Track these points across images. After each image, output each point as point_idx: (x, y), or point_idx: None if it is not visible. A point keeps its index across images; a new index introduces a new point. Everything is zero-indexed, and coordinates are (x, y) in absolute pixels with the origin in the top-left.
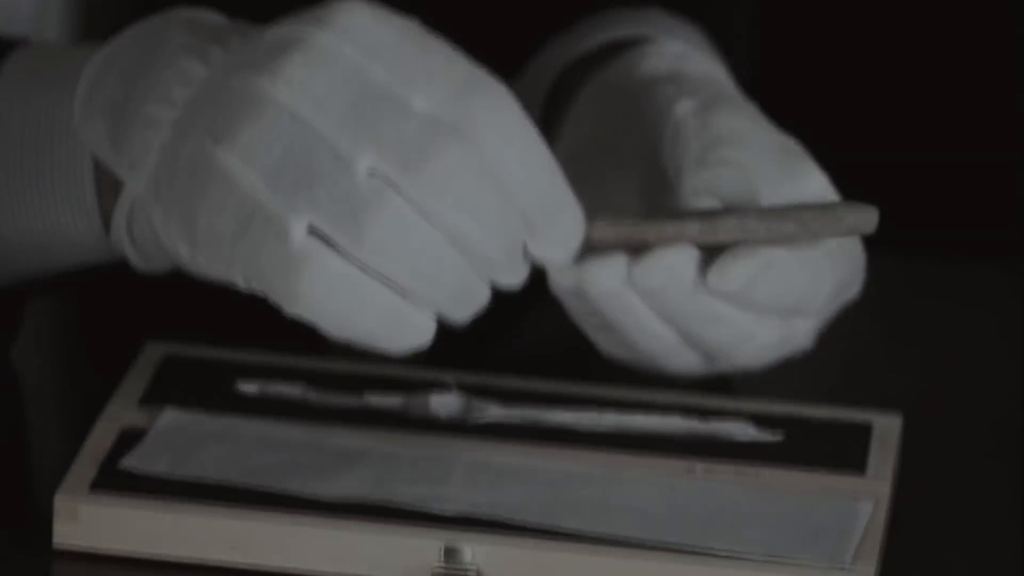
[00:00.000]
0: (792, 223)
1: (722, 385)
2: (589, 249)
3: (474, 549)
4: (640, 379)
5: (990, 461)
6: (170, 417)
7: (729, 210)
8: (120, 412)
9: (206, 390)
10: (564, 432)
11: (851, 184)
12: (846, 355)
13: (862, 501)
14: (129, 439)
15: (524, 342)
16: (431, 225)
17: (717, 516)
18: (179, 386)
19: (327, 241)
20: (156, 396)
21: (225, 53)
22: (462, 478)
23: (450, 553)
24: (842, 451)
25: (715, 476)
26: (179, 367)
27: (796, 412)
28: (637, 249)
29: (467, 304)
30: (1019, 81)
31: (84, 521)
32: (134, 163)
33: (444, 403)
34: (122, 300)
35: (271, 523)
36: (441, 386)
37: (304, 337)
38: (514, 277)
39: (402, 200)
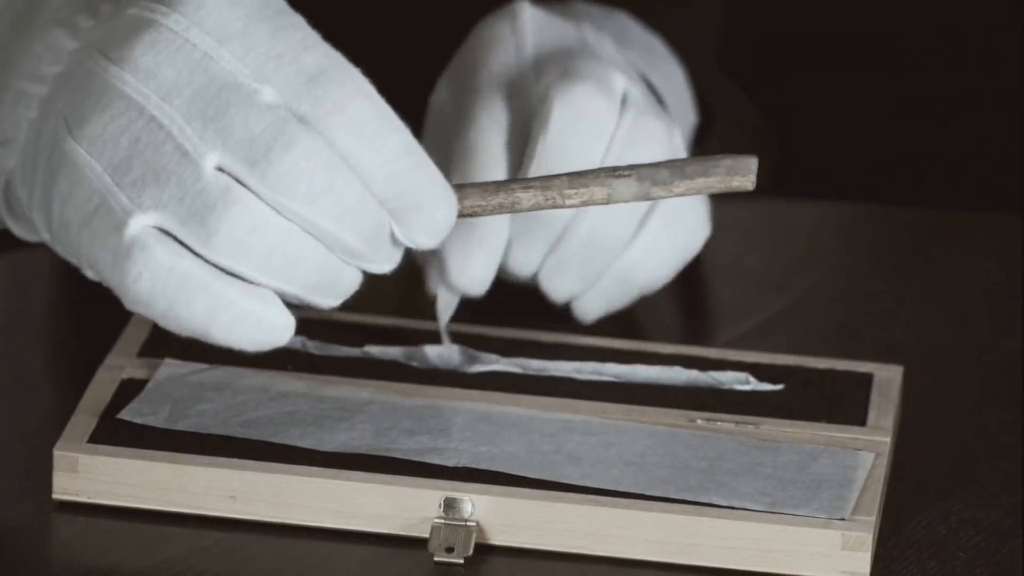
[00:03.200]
0: (666, 170)
1: (722, 336)
2: (462, 218)
3: (474, 501)
4: (641, 330)
5: (990, 412)
6: (169, 368)
7: (599, 168)
8: (120, 363)
9: (205, 341)
10: (565, 383)
11: (852, 134)
12: (847, 306)
13: (862, 453)
14: (128, 391)
15: (525, 292)
16: (285, 219)
17: (717, 467)
18: (179, 337)
19: (178, 240)
20: (156, 347)
21: (92, 24)
22: (462, 430)
23: (450, 505)
24: (843, 402)
25: (715, 427)
26: None
27: (797, 363)
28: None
29: (332, 291)
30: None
31: (83, 473)
32: (5, 139)
33: (444, 354)
34: None
35: (270, 475)
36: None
37: None
38: (383, 264)
39: (252, 197)
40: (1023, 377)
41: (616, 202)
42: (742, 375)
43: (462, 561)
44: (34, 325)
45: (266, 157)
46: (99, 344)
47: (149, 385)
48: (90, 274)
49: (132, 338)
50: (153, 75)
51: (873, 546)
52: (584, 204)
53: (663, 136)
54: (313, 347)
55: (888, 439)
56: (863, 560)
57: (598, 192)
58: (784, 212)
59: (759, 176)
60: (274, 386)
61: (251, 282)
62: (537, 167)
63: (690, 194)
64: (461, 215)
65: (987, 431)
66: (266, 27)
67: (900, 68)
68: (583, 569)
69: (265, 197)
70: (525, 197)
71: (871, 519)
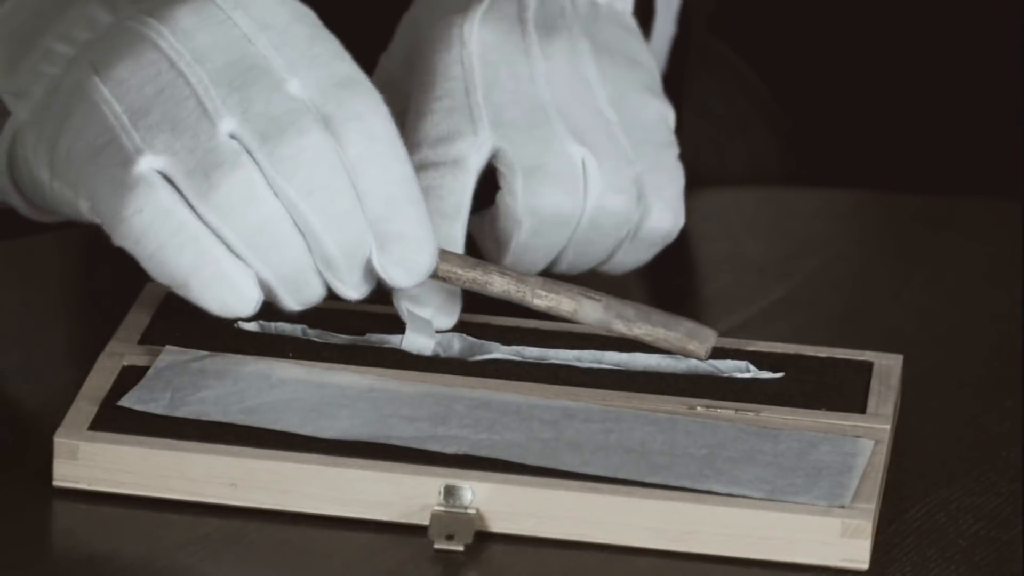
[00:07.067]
0: (632, 309)
1: (722, 324)
2: (433, 277)
3: (474, 488)
4: None
5: (990, 400)
6: (170, 356)
7: (573, 284)
8: (121, 350)
9: (206, 328)
10: (565, 370)
11: (848, 116)
12: (847, 294)
13: (862, 440)
14: (129, 378)
15: None
16: (277, 201)
17: (717, 455)
18: (179, 325)
19: (176, 188)
20: (156, 335)
21: (133, 5)
22: (462, 417)
23: (450, 492)
24: (843, 390)
25: (715, 415)
26: (179, 305)
27: (797, 351)
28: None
29: (297, 292)
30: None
31: (84, 460)
32: (21, 90)
33: (444, 342)
34: None
35: (271, 462)
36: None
37: None
38: (350, 288)
39: (255, 169)
40: (1023, 364)
41: (578, 321)
42: (742, 363)
43: (462, 548)
44: (34, 313)
45: (279, 136)
46: (99, 331)
47: (150, 372)
48: (84, 207)
49: (133, 325)
50: (191, 36)
51: (873, 533)
52: (549, 310)
53: (623, 210)
54: (313, 335)
55: (888, 426)
56: (863, 547)
57: (566, 304)
58: (785, 199)
59: (769, 153)
60: (274, 373)
61: (231, 250)
62: (511, 261)
63: (645, 340)
64: (435, 275)
65: (987, 419)
66: (306, 30)
67: (900, 53)
68: (583, 557)
69: (267, 174)
70: (499, 282)
71: (871, 506)
